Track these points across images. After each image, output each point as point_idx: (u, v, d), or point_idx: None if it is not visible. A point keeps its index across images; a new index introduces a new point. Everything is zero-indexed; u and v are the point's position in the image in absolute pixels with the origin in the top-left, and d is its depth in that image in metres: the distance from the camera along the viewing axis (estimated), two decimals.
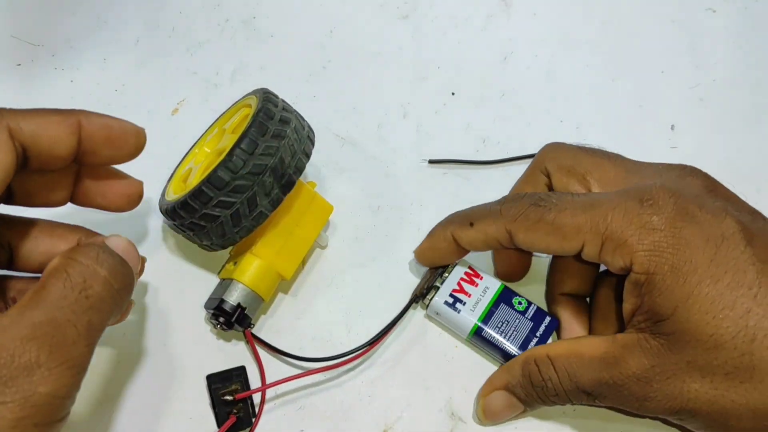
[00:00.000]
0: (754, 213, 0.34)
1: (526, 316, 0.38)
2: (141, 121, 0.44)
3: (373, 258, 0.41)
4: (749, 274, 0.30)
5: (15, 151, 0.28)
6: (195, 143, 0.40)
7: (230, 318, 0.36)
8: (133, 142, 0.32)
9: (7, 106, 0.44)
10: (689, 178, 0.35)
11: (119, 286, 0.27)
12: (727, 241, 0.31)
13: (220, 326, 0.36)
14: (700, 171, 0.35)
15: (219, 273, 0.39)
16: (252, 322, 0.37)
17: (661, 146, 0.45)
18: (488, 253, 0.41)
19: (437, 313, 0.38)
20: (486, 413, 0.36)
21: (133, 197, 0.34)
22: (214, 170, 0.33)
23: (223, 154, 0.33)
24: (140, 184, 0.34)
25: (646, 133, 0.45)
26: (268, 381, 0.37)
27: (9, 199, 0.32)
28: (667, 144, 0.45)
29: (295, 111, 0.36)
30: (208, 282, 0.39)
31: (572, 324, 0.38)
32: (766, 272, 0.30)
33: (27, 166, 0.29)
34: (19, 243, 0.32)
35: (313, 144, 0.36)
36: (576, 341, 0.35)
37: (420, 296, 0.39)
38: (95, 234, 0.34)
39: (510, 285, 0.39)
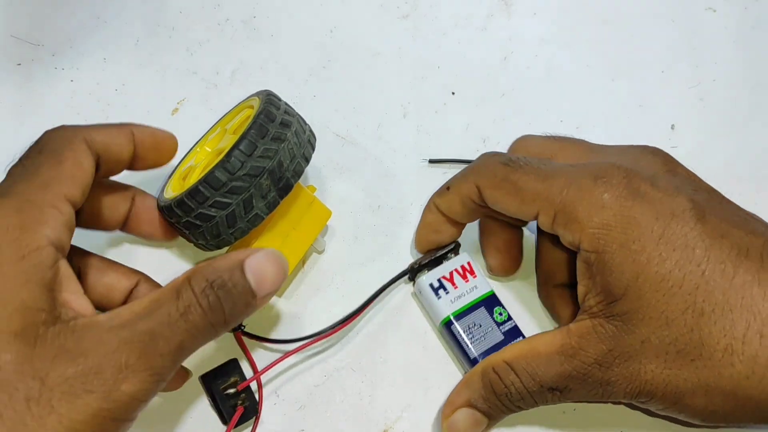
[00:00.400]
0: (711, 192, 0.34)
1: (500, 328, 0.38)
2: (141, 120, 0.44)
3: (373, 258, 0.41)
4: (698, 251, 0.31)
5: (93, 158, 0.32)
6: (197, 142, 0.40)
7: None
8: (172, 145, 0.36)
9: (7, 105, 0.44)
10: (650, 156, 0.35)
11: (214, 320, 0.29)
12: (677, 218, 0.31)
13: None
14: (660, 150, 0.36)
15: None
16: (243, 324, 0.37)
17: (661, 146, 0.44)
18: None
19: (420, 292, 0.39)
20: None
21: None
22: (212, 170, 0.33)
23: (222, 154, 0.34)
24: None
25: (646, 133, 0.45)
26: (261, 377, 0.37)
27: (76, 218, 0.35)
28: (667, 144, 0.44)
29: (297, 114, 0.36)
30: None
31: (567, 313, 0.38)
32: (714, 248, 0.31)
33: (98, 173, 0.33)
34: (88, 272, 0.35)
35: (313, 149, 0.36)
36: (529, 341, 0.35)
37: (411, 271, 0.39)
38: (153, 281, 0.36)
39: (500, 297, 0.39)
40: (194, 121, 0.43)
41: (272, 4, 0.48)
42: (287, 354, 0.37)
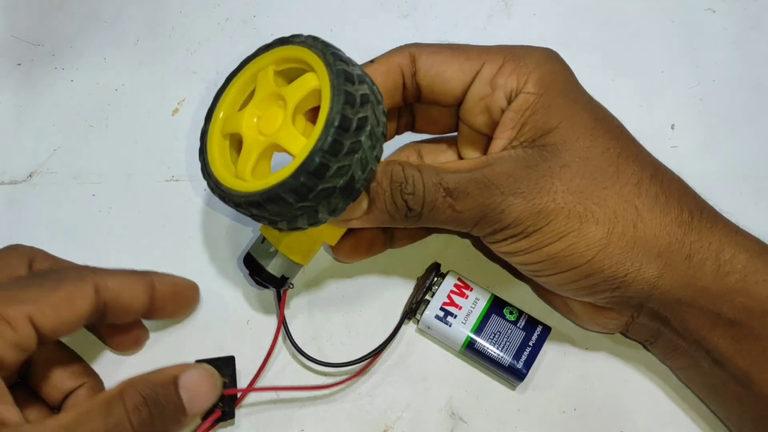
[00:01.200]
0: None
1: (517, 325, 0.38)
2: (141, 121, 0.44)
3: (373, 257, 0.41)
4: (616, 121, 0.36)
5: (96, 305, 0.32)
6: (226, 84, 0.36)
7: (270, 281, 0.36)
8: (193, 297, 0.37)
9: (8, 105, 0.44)
10: None
11: None
12: (601, 105, 0.36)
13: (258, 283, 0.37)
14: None
15: (261, 227, 0.37)
16: (292, 283, 0.37)
17: (662, 146, 0.44)
18: (475, 265, 0.41)
19: (429, 327, 0.38)
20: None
21: (140, 343, 0.38)
22: (276, 186, 0.29)
23: (291, 167, 0.29)
24: (148, 334, 0.38)
25: (646, 133, 0.45)
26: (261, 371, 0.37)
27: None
28: (667, 144, 0.45)
29: (371, 93, 0.30)
30: (209, 266, 0.39)
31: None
32: (626, 133, 0.36)
33: (104, 319, 0.33)
34: (38, 368, 0.34)
35: (385, 137, 0.31)
36: (447, 162, 0.34)
37: (410, 311, 0.38)
38: (99, 386, 0.35)
39: (500, 294, 0.39)
40: (195, 121, 0.43)
41: (272, 4, 0.48)
42: (279, 388, 0.37)
